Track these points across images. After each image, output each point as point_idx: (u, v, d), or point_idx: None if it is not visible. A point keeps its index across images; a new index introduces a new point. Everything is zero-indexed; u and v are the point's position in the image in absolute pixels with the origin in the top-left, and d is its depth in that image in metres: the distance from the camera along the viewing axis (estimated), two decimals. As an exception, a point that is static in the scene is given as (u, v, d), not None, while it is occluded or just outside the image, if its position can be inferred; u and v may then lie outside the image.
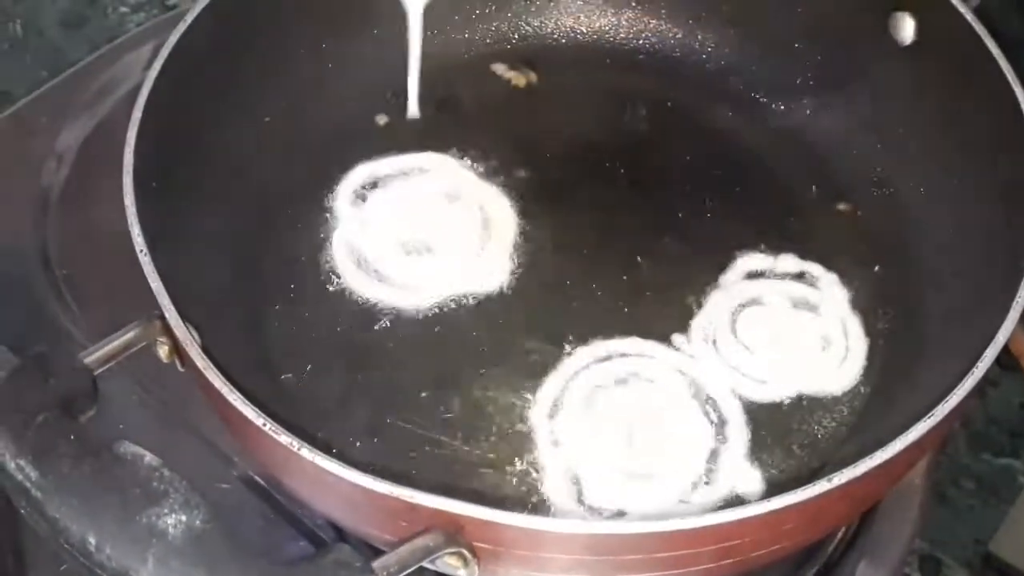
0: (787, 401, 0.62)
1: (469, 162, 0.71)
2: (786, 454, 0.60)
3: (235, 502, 0.61)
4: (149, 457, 0.45)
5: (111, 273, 0.61)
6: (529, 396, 0.61)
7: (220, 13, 0.63)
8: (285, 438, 0.49)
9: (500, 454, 0.60)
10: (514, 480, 0.59)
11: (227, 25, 0.64)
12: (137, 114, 0.58)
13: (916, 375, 0.60)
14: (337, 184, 0.70)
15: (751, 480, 0.58)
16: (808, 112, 0.72)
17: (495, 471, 0.59)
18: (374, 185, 0.70)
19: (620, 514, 0.57)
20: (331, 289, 0.66)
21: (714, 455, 0.59)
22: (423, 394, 0.62)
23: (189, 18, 0.62)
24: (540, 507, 0.58)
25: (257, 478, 0.62)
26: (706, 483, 0.58)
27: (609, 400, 0.61)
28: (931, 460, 0.65)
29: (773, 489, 0.58)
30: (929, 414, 0.50)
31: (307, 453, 0.48)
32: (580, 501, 0.58)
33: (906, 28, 0.66)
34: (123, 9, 0.88)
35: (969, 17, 0.62)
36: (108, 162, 0.60)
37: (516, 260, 0.67)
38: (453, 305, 0.65)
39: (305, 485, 0.53)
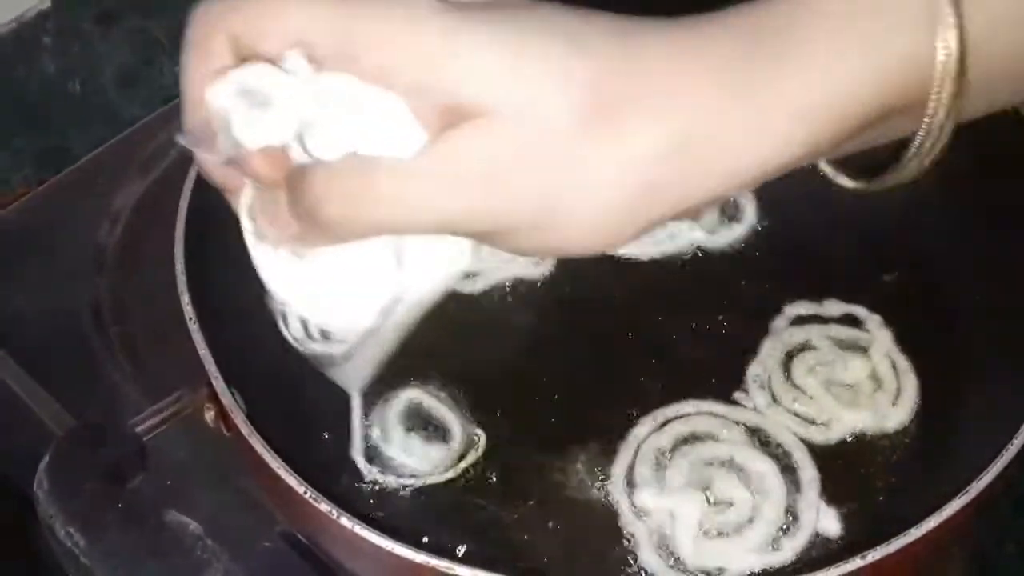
0: (848, 440, 0.63)
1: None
2: (857, 489, 0.62)
3: (279, 562, 0.62)
4: (194, 526, 0.46)
5: (164, 332, 0.62)
6: (604, 471, 0.62)
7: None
8: (326, 506, 0.50)
9: (587, 530, 0.60)
10: (607, 555, 0.59)
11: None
12: (189, 184, 0.60)
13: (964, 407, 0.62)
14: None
15: (829, 518, 0.60)
16: (848, 179, 0.73)
17: (586, 549, 0.60)
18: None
19: (720, 571, 0.59)
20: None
21: (791, 499, 0.61)
22: (487, 471, 0.62)
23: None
24: None
25: (300, 536, 0.63)
26: (790, 527, 0.60)
27: (680, 462, 0.62)
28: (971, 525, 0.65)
29: (851, 523, 0.60)
30: (963, 491, 0.50)
31: (347, 522, 0.50)
32: (678, 567, 0.59)
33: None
34: (177, 68, 0.90)
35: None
36: (161, 222, 0.61)
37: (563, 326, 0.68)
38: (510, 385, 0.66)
39: (346, 551, 0.54)
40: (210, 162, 0.43)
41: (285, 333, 0.46)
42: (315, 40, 0.39)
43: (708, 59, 0.39)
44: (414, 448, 0.62)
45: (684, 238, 0.71)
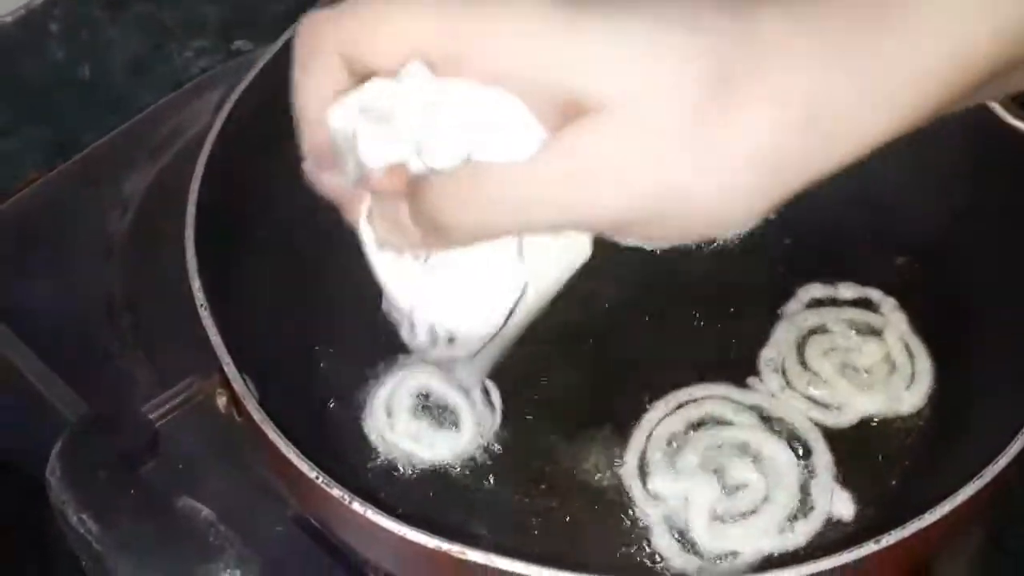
0: (862, 423, 0.63)
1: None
2: (870, 472, 0.62)
3: (290, 547, 0.62)
4: (206, 512, 0.46)
5: (176, 318, 0.62)
6: (617, 455, 0.62)
7: (280, 71, 0.65)
8: (338, 491, 0.50)
9: (600, 515, 0.60)
10: (620, 539, 0.60)
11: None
12: (199, 170, 0.60)
13: (978, 390, 0.62)
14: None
15: (844, 501, 0.60)
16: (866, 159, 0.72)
17: (599, 533, 0.60)
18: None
19: (734, 555, 0.59)
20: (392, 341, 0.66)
21: (805, 483, 0.61)
22: (499, 457, 0.62)
23: (251, 75, 0.64)
24: (652, 561, 0.59)
25: (312, 519, 0.63)
26: (804, 511, 0.60)
27: (693, 447, 0.62)
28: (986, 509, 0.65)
29: (864, 506, 0.60)
30: (978, 475, 0.50)
31: (359, 506, 0.49)
32: (691, 551, 0.59)
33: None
34: (188, 54, 0.89)
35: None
36: (172, 209, 0.61)
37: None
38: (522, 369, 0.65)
39: (358, 535, 0.54)
40: (332, 183, 0.42)
41: (409, 341, 0.45)
42: (427, 47, 0.38)
43: (823, 30, 0.38)
44: (422, 434, 0.62)
45: None
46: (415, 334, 0.45)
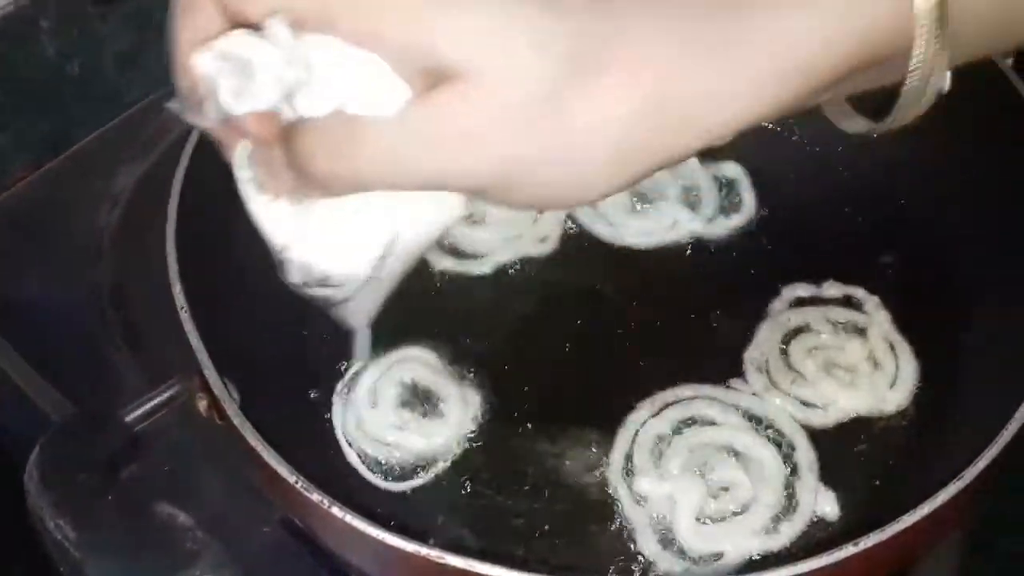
0: (846, 422, 0.63)
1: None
2: (855, 471, 0.61)
3: (274, 550, 0.61)
4: (183, 517, 0.46)
5: (164, 317, 0.62)
6: (602, 456, 0.62)
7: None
8: (317, 496, 0.50)
9: (584, 516, 0.60)
10: (605, 541, 0.59)
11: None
12: (180, 171, 0.60)
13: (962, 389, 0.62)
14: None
15: (828, 501, 0.60)
16: (846, 158, 0.72)
17: (583, 535, 0.60)
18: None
19: (719, 556, 0.59)
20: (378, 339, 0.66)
21: (789, 483, 0.61)
22: (483, 457, 0.62)
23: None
24: (637, 563, 0.59)
25: (296, 520, 0.63)
26: (789, 510, 0.60)
27: (678, 447, 0.62)
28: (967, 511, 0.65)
29: (848, 506, 0.60)
30: (958, 477, 0.50)
31: (338, 511, 0.50)
32: (677, 551, 0.59)
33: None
34: (178, 50, 0.89)
35: (1002, 65, 0.61)
36: (161, 206, 0.61)
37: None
38: (508, 368, 0.65)
39: (339, 539, 0.54)
40: (201, 123, 0.45)
41: (284, 279, 0.47)
42: (298, 3, 0.40)
43: (684, 16, 0.40)
44: (405, 428, 0.62)
45: (684, 228, 0.70)
46: (289, 273, 0.47)
